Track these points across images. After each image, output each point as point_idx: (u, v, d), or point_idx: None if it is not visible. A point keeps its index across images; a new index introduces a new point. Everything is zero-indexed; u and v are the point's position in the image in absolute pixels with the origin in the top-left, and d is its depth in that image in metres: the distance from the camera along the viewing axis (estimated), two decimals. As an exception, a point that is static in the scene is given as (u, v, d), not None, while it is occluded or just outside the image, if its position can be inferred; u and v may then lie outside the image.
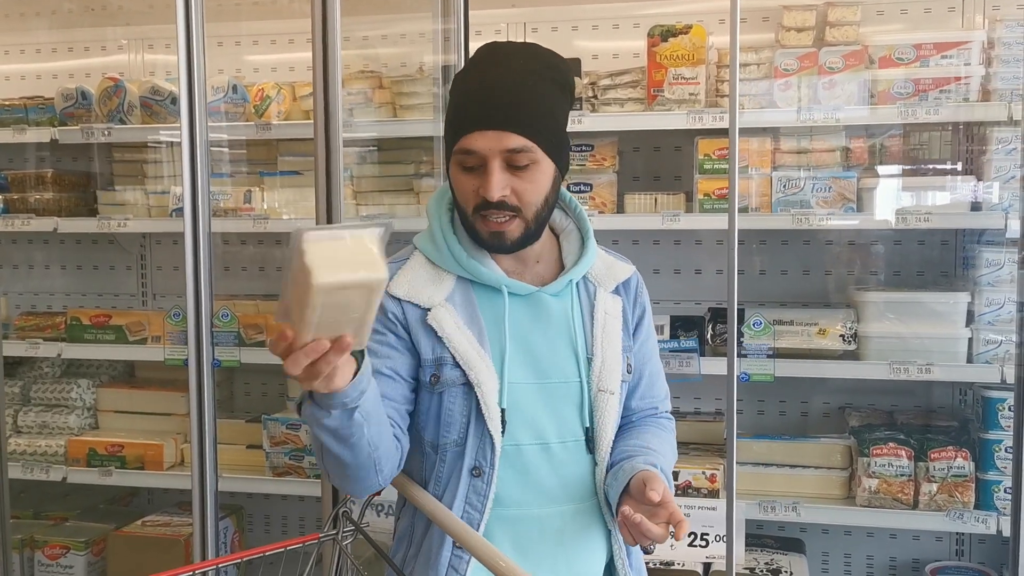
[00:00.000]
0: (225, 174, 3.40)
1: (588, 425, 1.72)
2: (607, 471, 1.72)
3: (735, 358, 2.62)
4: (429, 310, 1.67)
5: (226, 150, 3.39)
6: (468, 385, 1.65)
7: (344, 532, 1.90)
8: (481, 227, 1.65)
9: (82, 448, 3.41)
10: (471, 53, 3.54)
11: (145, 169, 3.50)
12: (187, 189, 2.80)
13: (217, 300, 3.47)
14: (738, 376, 2.66)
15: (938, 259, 3.27)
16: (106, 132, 3.31)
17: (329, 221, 2.34)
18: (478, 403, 1.65)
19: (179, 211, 3.10)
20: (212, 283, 2.84)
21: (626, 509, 1.54)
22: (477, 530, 1.65)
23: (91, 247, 3.91)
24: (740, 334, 2.73)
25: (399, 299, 1.68)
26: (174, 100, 3.24)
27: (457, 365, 1.65)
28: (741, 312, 3.04)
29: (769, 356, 2.75)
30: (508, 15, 3.52)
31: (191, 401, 2.84)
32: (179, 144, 3.30)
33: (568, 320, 1.74)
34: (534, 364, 1.70)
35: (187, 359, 2.83)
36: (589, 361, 1.73)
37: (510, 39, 3.55)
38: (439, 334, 1.66)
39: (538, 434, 1.69)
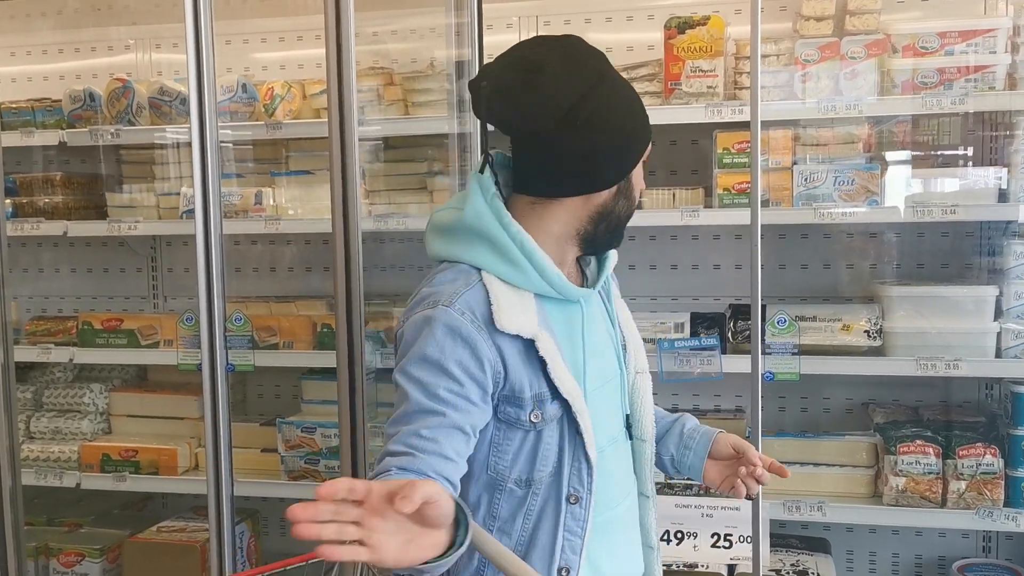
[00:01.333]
0: (235, 174, 3.35)
1: (628, 412, 1.72)
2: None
3: (759, 356, 2.56)
4: (533, 341, 1.51)
5: (236, 150, 3.35)
6: (567, 415, 1.56)
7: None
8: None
9: (96, 453, 3.37)
10: (485, 48, 3.52)
11: (154, 171, 3.46)
12: (198, 190, 2.75)
13: (230, 302, 3.43)
14: (762, 375, 2.60)
15: (962, 251, 3.20)
16: (114, 134, 3.26)
17: (345, 221, 2.30)
18: (576, 430, 1.55)
19: (189, 212, 3.06)
20: (224, 286, 2.80)
21: (755, 469, 1.70)
22: (579, 554, 1.58)
23: (101, 249, 3.87)
24: (763, 332, 2.67)
25: (505, 334, 1.49)
26: (183, 100, 3.19)
27: (557, 397, 1.54)
28: (763, 309, 2.99)
29: (794, 354, 2.69)
30: (520, 8, 3.46)
31: (205, 406, 2.80)
32: (188, 144, 3.28)
33: (604, 314, 1.71)
34: (599, 369, 1.65)
35: (200, 363, 2.79)
36: (624, 348, 1.72)
37: (521, 33, 3.53)
38: (547, 367, 1.51)
39: (611, 435, 1.67)
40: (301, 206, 3.28)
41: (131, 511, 3.77)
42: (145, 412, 3.55)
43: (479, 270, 1.54)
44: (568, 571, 1.58)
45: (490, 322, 1.48)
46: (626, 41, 3.39)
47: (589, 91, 1.48)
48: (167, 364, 3.27)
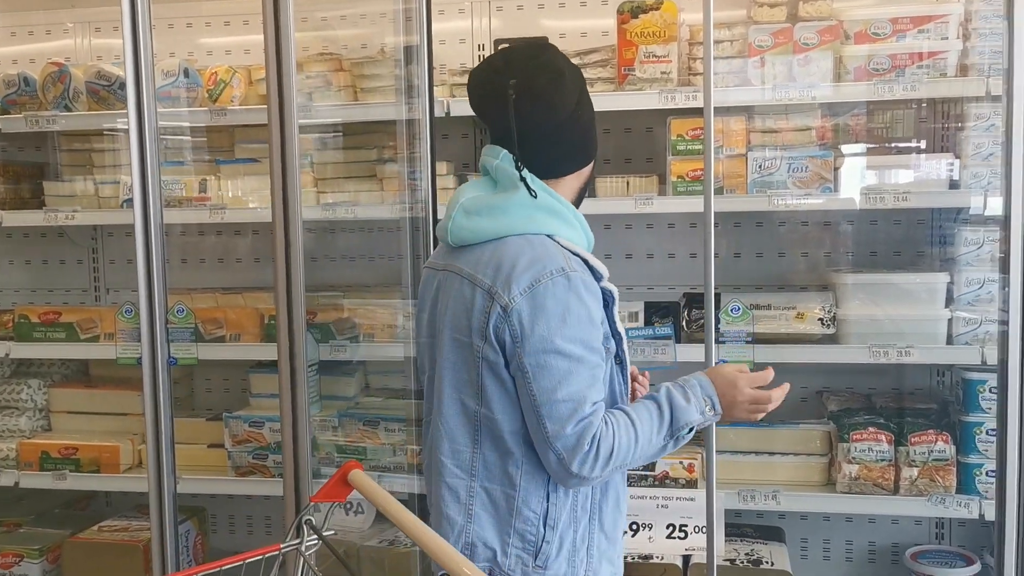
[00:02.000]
0: (179, 162, 3.25)
1: None
2: None
3: (713, 345, 2.53)
4: (606, 287, 1.83)
5: (179, 138, 3.24)
6: (617, 352, 1.86)
7: (308, 542, 1.79)
8: None
9: (34, 451, 3.26)
10: (435, 34, 3.45)
11: (94, 158, 3.34)
12: (136, 179, 2.66)
13: (174, 294, 3.32)
14: (717, 363, 2.57)
15: (914, 239, 3.21)
16: (51, 120, 3.14)
17: (285, 210, 2.22)
18: (621, 364, 1.88)
19: (130, 202, 2.95)
20: (165, 277, 2.71)
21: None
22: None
23: (39, 241, 3.75)
24: (717, 320, 2.64)
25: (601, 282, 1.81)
26: (122, 85, 3.08)
27: (613, 335, 1.83)
28: (717, 297, 2.96)
29: (748, 342, 2.67)
30: (472, -7, 3.40)
31: (145, 401, 2.71)
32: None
33: None
34: None
35: (141, 357, 2.70)
36: None
37: (473, 18, 3.46)
38: (612, 306, 1.84)
39: None
40: (248, 195, 3.19)
41: (73, 510, 3.65)
42: (86, 408, 3.45)
43: (549, 236, 1.77)
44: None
45: (594, 274, 1.79)
46: (580, 27, 3.34)
47: (582, 89, 1.84)
48: (108, 358, 3.17)
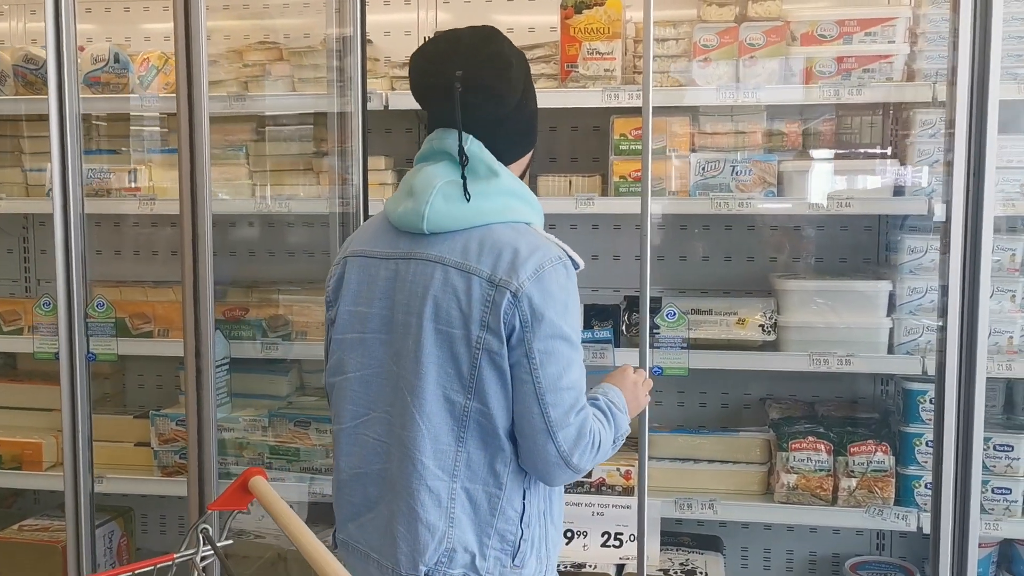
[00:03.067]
0: (111, 151, 3.14)
1: None
2: None
3: (647, 350, 2.47)
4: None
5: (108, 125, 3.14)
6: None
7: (203, 552, 1.70)
8: None
9: (-48, 446, 3.15)
10: (382, 25, 3.35)
11: (22, 144, 3.22)
12: (56, 166, 2.56)
13: (103, 286, 3.23)
14: (651, 369, 2.51)
15: (861, 245, 3.17)
16: (-26, 104, 3.03)
17: (193, 203, 2.13)
18: None
19: (58, 190, 2.86)
20: (85, 269, 2.61)
21: None
22: None
23: (-33, 229, 3.62)
24: (654, 326, 2.58)
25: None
26: (50, 69, 2.97)
27: None
28: (658, 301, 2.90)
29: (683, 348, 2.61)
30: (419, -15, 3.32)
31: (63, 397, 2.61)
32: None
33: None
34: None
35: (58, 352, 2.60)
36: None
37: (420, 10, 3.38)
38: None
39: None
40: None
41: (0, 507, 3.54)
42: (12, 403, 3.33)
43: (527, 223, 1.76)
44: None
45: (574, 264, 1.78)
46: (528, 23, 3.27)
47: (527, 76, 1.81)
48: (28, 352, 3.05)
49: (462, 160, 1.70)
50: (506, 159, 1.78)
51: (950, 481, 2.43)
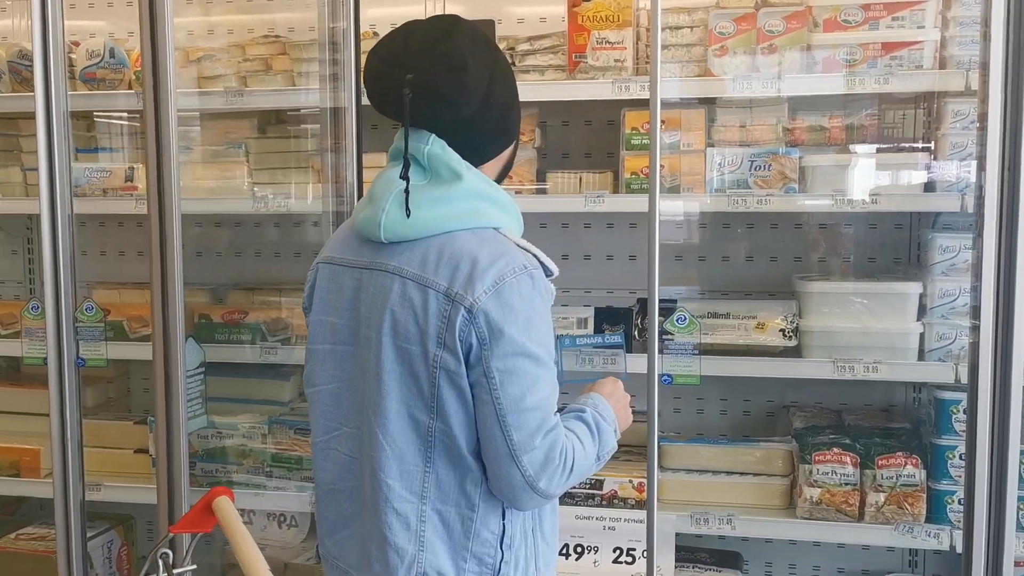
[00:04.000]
0: (107, 149, 3.06)
1: None
2: None
3: (655, 355, 2.33)
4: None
5: (104, 122, 3.06)
6: None
7: (162, 577, 1.60)
8: None
9: (-50, 452, 3.08)
10: (385, 18, 3.24)
11: (21, 143, 3.15)
12: (43, 166, 2.49)
13: (105, 288, 3.16)
14: (660, 378, 2.37)
15: (891, 244, 2.99)
16: (-31, 102, 2.97)
17: (161, 202, 2.03)
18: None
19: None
20: (75, 272, 2.53)
21: None
22: None
23: (-30, 230, 3.57)
24: (665, 331, 2.43)
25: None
26: (45, 65, 2.89)
27: None
28: (673, 303, 2.75)
29: (695, 355, 2.46)
30: (425, -25, 3.19)
31: (51, 403, 2.54)
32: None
33: None
34: None
35: (47, 356, 2.52)
36: None
37: (427, 2, 3.26)
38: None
39: None
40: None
41: (2, 514, 3.47)
42: (13, 408, 3.26)
43: (495, 228, 1.64)
44: None
45: (546, 271, 1.65)
46: (539, 13, 3.13)
47: (493, 72, 1.63)
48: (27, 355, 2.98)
49: (403, 173, 1.57)
50: (475, 159, 1.66)
51: (983, 497, 2.26)
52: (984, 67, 2.15)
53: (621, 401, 1.82)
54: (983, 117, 2.18)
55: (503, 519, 1.64)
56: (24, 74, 2.96)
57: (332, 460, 1.70)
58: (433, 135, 1.62)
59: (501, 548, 1.63)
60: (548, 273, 1.65)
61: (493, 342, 1.53)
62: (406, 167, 1.57)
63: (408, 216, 1.57)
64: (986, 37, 2.14)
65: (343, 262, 1.70)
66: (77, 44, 2.96)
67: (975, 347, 2.25)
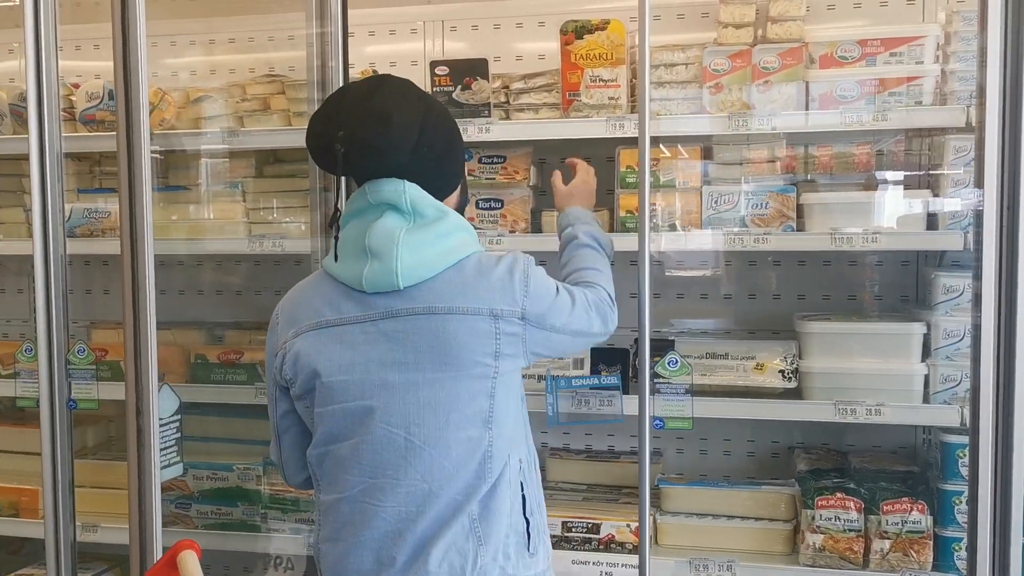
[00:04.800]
0: (107, 190, 3.07)
1: None
2: None
3: (647, 398, 2.27)
4: None
5: (106, 162, 3.07)
6: None
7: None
8: None
9: (-51, 492, 3.08)
10: (384, 55, 3.24)
11: (24, 184, 3.18)
12: (36, 207, 2.49)
13: (103, 327, 3.16)
14: (652, 421, 2.31)
15: (898, 282, 2.92)
16: (-28, 144, 2.99)
17: (133, 244, 2.02)
18: None
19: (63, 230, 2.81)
20: (67, 313, 2.53)
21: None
22: None
23: (-25, 269, 3.60)
24: (656, 374, 2.38)
25: None
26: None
27: None
28: (670, 343, 2.71)
29: (685, 399, 2.40)
30: (424, 12, 3.21)
31: (43, 446, 2.53)
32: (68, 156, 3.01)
33: None
34: None
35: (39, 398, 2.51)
36: None
37: (426, 40, 3.26)
38: None
39: None
40: (176, 224, 3.00)
41: (5, 553, 3.46)
42: (15, 448, 3.25)
43: (479, 252, 1.85)
44: None
45: None
46: (537, 49, 3.12)
47: (424, 121, 1.76)
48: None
49: (331, 225, 1.80)
50: (439, 197, 1.83)
51: (986, 545, 2.18)
52: (981, 103, 2.10)
53: (583, 189, 2.27)
54: (980, 150, 2.12)
55: (523, 489, 1.85)
56: (24, 116, 2.98)
57: (380, 500, 1.77)
58: (404, 180, 1.75)
59: (525, 515, 1.86)
60: None
61: (542, 322, 1.82)
62: (335, 222, 1.81)
63: (420, 258, 1.73)
64: (983, 65, 2.08)
65: (345, 320, 1.78)
66: (77, 86, 2.98)
67: (976, 389, 2.18)
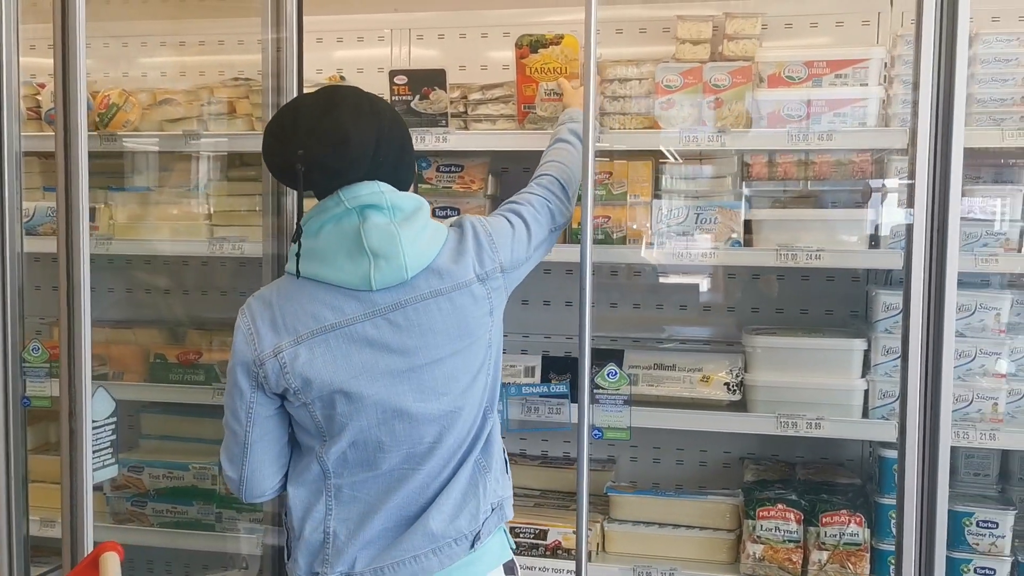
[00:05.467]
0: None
1: None
2: None
3: (586, 408, 2.31)
4: None
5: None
6: None
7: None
8: None
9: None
10: (351, 61, 3.27)
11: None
12: (-8, 204, 2.51)
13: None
14: (590, 430, 2.35)
15: (849, 298, 2.97)
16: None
17: (69, 240, 2.05)
18: None
19: (31, 227, 2.85)
20: (23, 311, 2.56)
21: None
22: None
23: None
24: (596, 385, 2.42)
25: None
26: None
27: None
28: (620, 353, 2.75)
29: (624, 408, 2.44)
30: (392, 20, 3.24)
31: (-4, 442, 2.55)
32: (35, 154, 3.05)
33: None
34: None
35: (-6, 395, 2.54)
36: None
37: (393, 46, 3.30)
38: None
39: None
40: (140, 224, 3.04)
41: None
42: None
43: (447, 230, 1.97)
44: None
45: None
46: (503, 59, 3.16)
47: (379, 135, 1.82)
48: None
49: (295, 240, 1.83)
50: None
51: (911, 558, 2.22)
52: (913, 125, 2.15)
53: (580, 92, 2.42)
54: (912, 171, 2.17)
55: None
56: (-9, 115, 3.02)
57: (418, 465, 1.91)
58: (375, 180, 1.83)
59: (506, 460, 2.09)
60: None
61: (505, 256, 1.98)
62: (298, 235, 1.85)
63: (419, 248, 1.83)
64: (916, 87, 2.13)
65: (353, 320, 1.83)
66: (43, 86, 3.01)
67: (904, 404, 2.22)
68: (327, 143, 1.75)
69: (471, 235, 1.94)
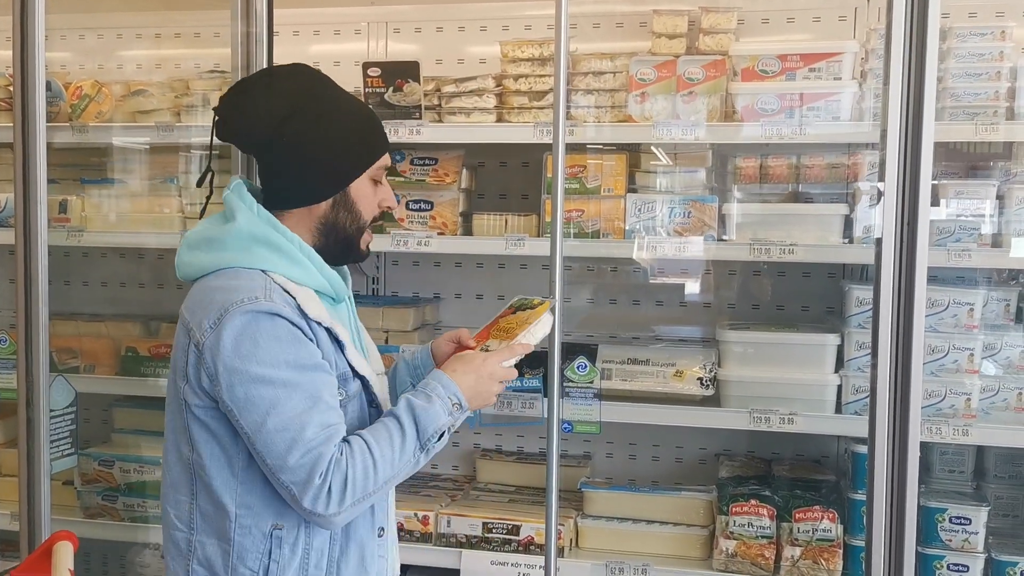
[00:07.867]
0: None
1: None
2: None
3: (556, 401, 2.30)
4: (331, 328, 1.67)
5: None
6: (364, 394, 1.73)
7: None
8: (366, 238, 1.79)
9: None
10: (328, 54, 3.25)
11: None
12: (-40, 196, 2.49)
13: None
14: (561, 424, 2.34)
15: (825, 293, 2.96)
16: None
17: (27, 232, 2.03)
18: (374, 406, 1.74)
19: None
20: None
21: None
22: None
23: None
24: (566, 378, 2.41)
25: (314, 321, 1.64)
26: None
27: (356, 376, 1.71)
28: (593, 348, 2.74)
29: (594, 402, 2.43)
30: (368, 14, 3.22)
31: (-38, 434, 2.53)
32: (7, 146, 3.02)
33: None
34: (376, 361, 1.85)
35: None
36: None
37: (370, 40, 3.29)
38: (345, 350, 1.69)
39: None
40: (112, 216, 3.01)
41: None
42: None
43: (263, 272, 1.64)
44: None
45: (301, 312, 1.62)
46: (479, 53, 3.15)
47: (289, 115, 1.66)
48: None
49: (200, 184, 1.76)
50: (278, 204, 1.71)
51: (881, 554, 2.21)
52: (884, 115, 2.14)
53: (474, 373, 1.72)
54: (882, 166, 2.16)
55: (268, 556, 1.63)
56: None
57: None
58: (238, 180, 1.73)
59: None
60: (303, 315, 1.63)
61: (219, 376, 1.56)
62: (203, 177, 1.80)
63: (188, 256, 1.68)
64: (887, 80, 2.12)
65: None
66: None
67: (873, 399, 2.21)
68: (232, 93, 1.71)
69: (220, 310, 1.59)
